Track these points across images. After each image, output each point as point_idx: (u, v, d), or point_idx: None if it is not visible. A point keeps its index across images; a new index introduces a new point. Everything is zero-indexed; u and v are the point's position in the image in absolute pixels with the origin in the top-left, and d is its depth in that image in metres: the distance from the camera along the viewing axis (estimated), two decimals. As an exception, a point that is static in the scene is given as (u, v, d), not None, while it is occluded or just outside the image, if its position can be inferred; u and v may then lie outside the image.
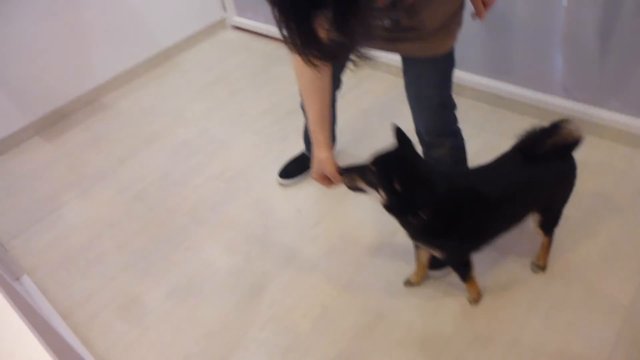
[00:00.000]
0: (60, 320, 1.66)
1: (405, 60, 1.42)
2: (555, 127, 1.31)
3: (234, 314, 1.64)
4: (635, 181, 1.82)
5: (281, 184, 2.04)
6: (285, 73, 2.63)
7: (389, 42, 1.35)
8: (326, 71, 1.24)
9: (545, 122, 1.97)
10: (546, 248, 1.56)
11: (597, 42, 1.81)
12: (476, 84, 2.23)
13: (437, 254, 1.41)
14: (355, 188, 1.32)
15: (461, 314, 1.53)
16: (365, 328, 1.54)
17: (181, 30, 2.99)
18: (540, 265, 1.59)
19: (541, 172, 1.36)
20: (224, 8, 3.08)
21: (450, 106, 1.51)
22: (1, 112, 2.42)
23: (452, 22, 1.30)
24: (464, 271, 1.48)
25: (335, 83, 1.78)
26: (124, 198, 2.13)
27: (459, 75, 2.26)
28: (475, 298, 1.54)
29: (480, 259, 1.51)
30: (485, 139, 2.10)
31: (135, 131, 2.50)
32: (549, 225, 1.51)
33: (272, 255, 1.80)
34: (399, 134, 1.24)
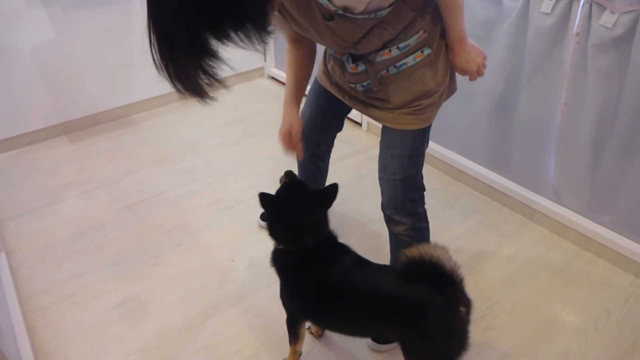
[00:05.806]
0: (15, 303, 1.73)
1: (382, 128, 1.48)
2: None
3: (173, 335, 1.67)
4: (604, 298, 1.76)
5: (261, 226, 2.10)
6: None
7: (363, 105, 1.44)
8: (299, 53, 1.47)
9: (532, 223, 1.93)
10: None
11: (590, 151, 1.81)
12: (474, 172, 2.25)
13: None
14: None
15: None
16: (290, 381, 1.52)
17: (221, 70, 3.20)
18: None
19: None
20: (265, 59, 3.31)
21: (416, 187, 1.48)
22: (41, 107, 2.65)
23: (423, 102, 1.33)
24: (288, 329, 1.47)
25: (339, 124, 1.77)
26: (117, 206, 2.25)
27: (460, 162, 2.31)
28: None
29: None
30: (467, 227, 2.09)
31: (150, 149, 2.66)
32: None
33: (229, 289, 1.83)
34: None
